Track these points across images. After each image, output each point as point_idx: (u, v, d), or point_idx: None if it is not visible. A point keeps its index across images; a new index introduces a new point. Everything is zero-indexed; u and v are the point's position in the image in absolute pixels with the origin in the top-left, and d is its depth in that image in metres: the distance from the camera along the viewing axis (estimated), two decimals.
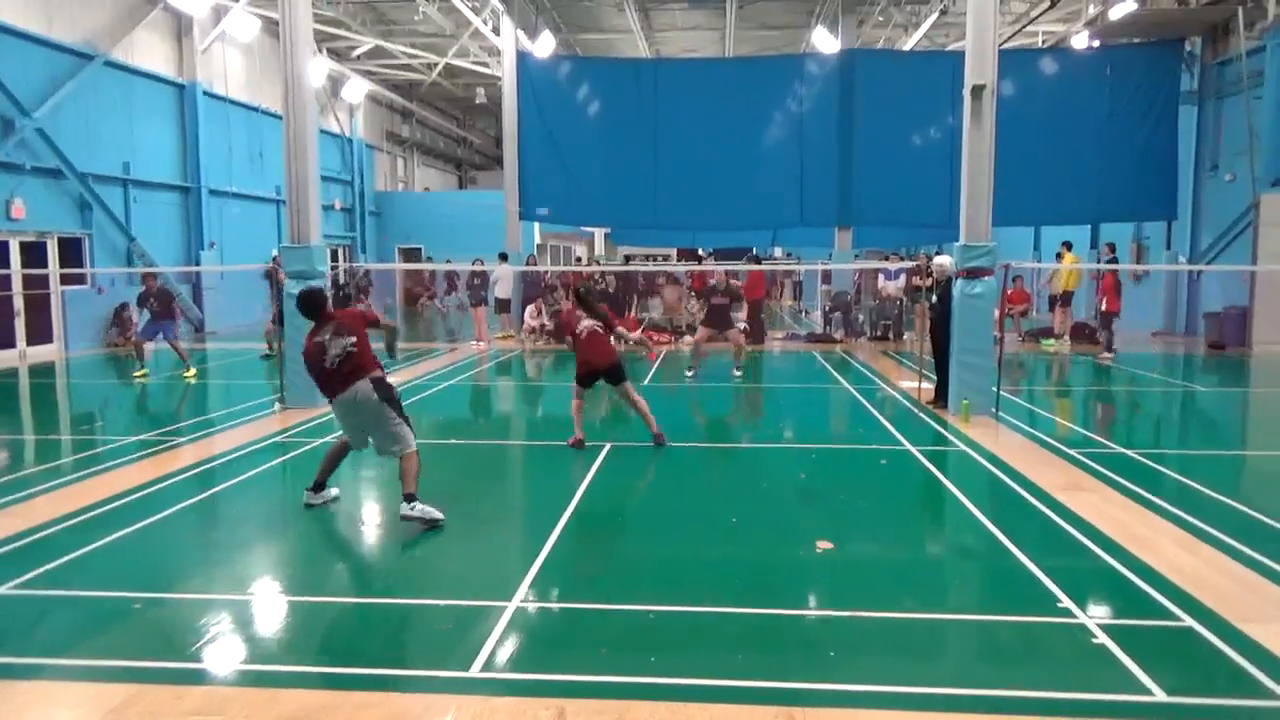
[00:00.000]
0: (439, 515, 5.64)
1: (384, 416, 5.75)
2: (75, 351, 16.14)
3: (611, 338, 7.93)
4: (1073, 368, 14.16)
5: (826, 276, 21.53)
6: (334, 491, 6.26)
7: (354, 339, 5.72)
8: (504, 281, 17.95)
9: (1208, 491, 6.47)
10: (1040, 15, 19.64)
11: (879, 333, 18.10)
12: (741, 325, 14.34)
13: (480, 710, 3.40)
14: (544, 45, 21.34)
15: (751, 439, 9.30)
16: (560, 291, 18.68)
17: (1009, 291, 13.11)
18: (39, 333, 15.94)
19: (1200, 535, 5.38)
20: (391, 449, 5.80)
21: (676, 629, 4.19)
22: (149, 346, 13.21)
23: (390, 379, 5.96)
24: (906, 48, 22.27)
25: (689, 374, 12.51)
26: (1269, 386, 12.47)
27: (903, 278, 17.75)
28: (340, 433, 6.16)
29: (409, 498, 5.66)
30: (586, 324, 7.85)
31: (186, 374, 12.71)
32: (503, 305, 18.35)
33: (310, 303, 5.97)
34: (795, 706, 3.40)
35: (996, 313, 10.00)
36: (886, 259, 20.30)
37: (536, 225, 28.17)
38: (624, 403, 8.08)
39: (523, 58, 18.48)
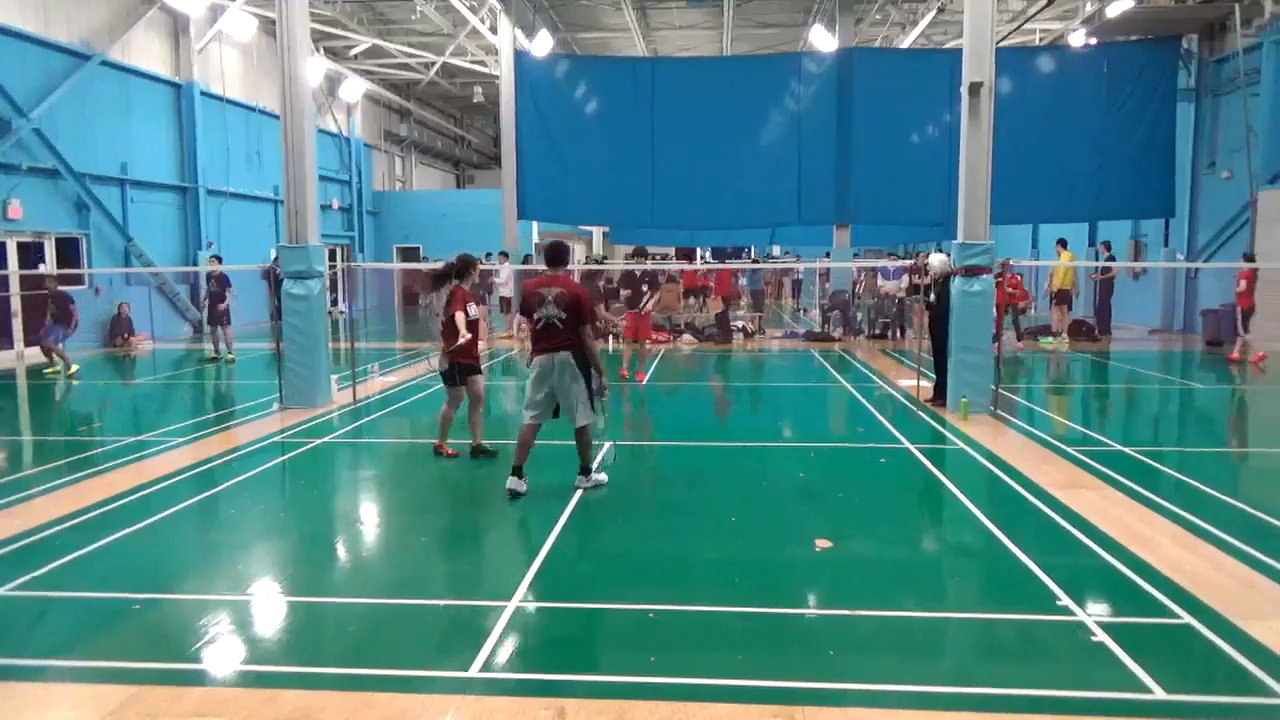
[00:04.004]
0: (604, 478, 6.60)
1: (577, 385, 6.23)
2: (73, 352, 16.08)
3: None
4: (1071, 365, 14.17)
5: (825, 274, 21.54)
6: (522, 487, 6.34)
7: (564, 316, 6.16)
8: (506, 281, 18.06)
9: (1206, 489, 6.47)
10: (1038, 13, 19.65)
11: (877, 331, 18.11)
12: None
13: (480, 710, 3.40)
14: (541, 44, 21.33)
15: (750, 438, 9.28)
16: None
17: (1011, 279, 13.15)
18: (37, 333, 15.86)
19: (1199, 533, 5.39)
20: (573, 416, 6.32)
21: (676, 629, 4.18)
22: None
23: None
24: (904, 46, 22.28)
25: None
26: (1267, 384, 12.47)
27: (903, 276, 17.76)
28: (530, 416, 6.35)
29: (583, 470, 6.51)
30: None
31: (50, 370, 13.40)
32: (505, 304, 18.48)
33: (552, 252, 6.44)
34: (795, 706, 3.40)
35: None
36: (887, 257, 20.29)
37: (535, 224, 28.15)
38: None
39: (520, 57, 18.43)
